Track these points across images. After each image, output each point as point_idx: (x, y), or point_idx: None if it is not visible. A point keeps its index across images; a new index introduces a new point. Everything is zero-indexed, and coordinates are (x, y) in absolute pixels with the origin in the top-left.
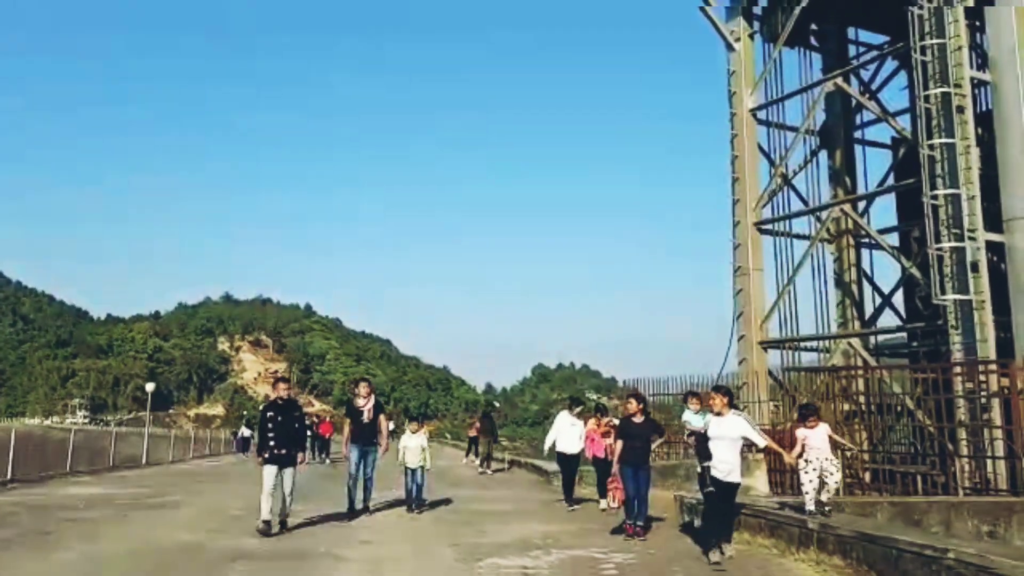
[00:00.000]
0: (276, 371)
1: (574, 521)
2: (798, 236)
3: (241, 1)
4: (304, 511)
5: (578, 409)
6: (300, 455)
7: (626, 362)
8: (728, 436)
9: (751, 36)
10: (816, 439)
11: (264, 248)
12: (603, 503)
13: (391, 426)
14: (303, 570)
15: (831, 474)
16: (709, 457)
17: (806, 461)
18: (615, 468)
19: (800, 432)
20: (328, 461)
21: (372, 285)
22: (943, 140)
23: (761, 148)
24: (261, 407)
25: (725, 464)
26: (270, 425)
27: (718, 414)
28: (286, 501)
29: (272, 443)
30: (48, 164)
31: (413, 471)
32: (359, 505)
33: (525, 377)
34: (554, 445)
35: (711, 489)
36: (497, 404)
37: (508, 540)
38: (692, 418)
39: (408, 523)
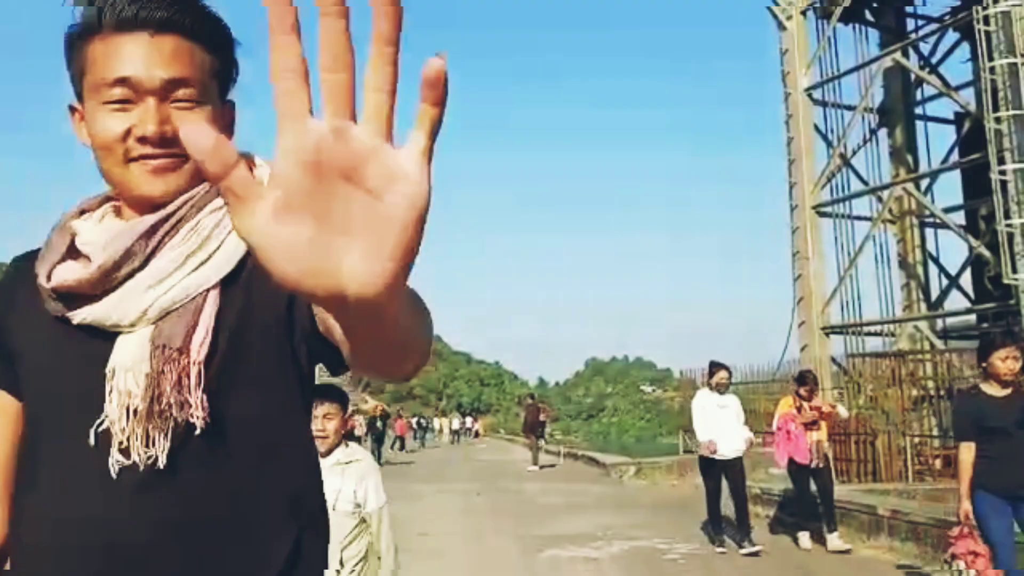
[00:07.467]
0: None
1: (636, 513)
2: (859, 218)
3: None
4: None
5: (718, 377)
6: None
7: (680, 353)
8: None
9: (803, 13)
10: None
11: None
12: (804, 539)
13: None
14: None
15: None
16: None
17: None
18: (965, 508)
19: None
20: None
21: (419, 280)
22: (1011, 112)
23: (817, 129)
24: None
25: None
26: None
27: None
28: None
29: None
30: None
31: None
32: None
33: (578, 371)
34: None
35: None
36: (535, 395)
37: (568, 532)
38: None
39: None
